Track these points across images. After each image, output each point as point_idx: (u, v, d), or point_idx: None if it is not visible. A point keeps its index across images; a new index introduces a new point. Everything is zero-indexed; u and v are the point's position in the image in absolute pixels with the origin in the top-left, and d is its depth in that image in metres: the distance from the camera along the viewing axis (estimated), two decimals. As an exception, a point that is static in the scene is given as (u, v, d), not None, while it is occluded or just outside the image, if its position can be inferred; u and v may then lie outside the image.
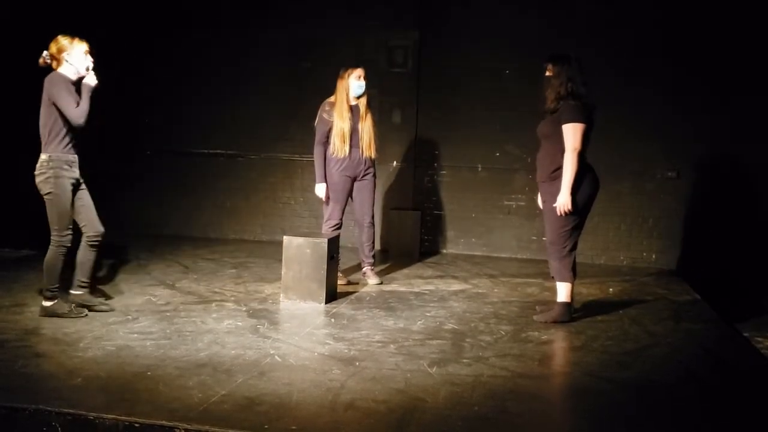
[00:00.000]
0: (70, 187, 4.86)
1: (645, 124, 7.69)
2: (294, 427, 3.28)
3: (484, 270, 7.29)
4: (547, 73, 5.18)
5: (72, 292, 5.05)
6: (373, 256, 6.48)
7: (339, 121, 6.05)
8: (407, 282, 6.58)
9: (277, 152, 8.51)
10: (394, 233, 8.02)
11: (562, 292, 5.25)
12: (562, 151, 5.03)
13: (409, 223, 7.97)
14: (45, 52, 4.85)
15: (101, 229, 5.03)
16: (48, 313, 4.90)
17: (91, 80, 4.84)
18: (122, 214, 8.51)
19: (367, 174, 6.26)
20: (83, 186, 4.99)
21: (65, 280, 5.04)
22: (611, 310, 5.74)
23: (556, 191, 5.06)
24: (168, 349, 4.34)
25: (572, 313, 5.32)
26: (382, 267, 7.13)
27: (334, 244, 5.69)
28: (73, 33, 4.91)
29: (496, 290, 6.38)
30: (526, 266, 7.54)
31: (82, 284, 5.06)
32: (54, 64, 4.85)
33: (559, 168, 5.05)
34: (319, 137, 6.12)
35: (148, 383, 3.76)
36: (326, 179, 6.15)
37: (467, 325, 5.15)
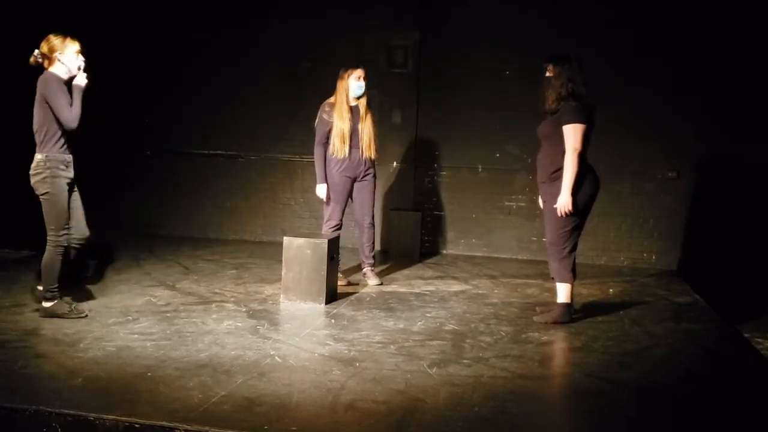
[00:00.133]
0: (67, 187, 4.86)
1: (645, 124, 7.68)
2: (294, 428, 3.28)
3: (485, 271, 7.28)
4: (548, 74, 5.18)
5: (44, 305, 4.89)
6: (374, 257, 6.47)
7: (339, 122, 6.04)
8: (407, 283, 6.58)
9: (277, 152, 8.50)
10: (394, 234, 8.02)
11: (562, 292, 5.24)
12: (563, 151, 5.02)
13: (410, 223, 7.96)
14: (36, 51, 4.82)
15: (87, 232, 5.03)
16: (48, 313, 4.90)
17: (81, 80, 4.81)
18: (122, 214, 8.54)
19: (367, 174, 6.26)
20: (76, 188, 4.99)
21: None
22: (611, 310, 5.74)
23: (557, 192, 5.06)
24: (168, 349, 4.34)
25: (572, 313, 5.32)
26: (383, 268, 7.13)
27: (334, 244, 5.69)
28: (73, 33, 4.90)
29: (496, 291, 6.38)
30: (526, 267, 7.54)
31: (52, 291, 4.89)
32: (46, 63, 4.83)
33: (560, 169, 5.04)
34: (319, 138, 6.12)
35: (149, 384, 3.76)
36: (327, 180, 6.15)
37: (467, 326, 5.15)
